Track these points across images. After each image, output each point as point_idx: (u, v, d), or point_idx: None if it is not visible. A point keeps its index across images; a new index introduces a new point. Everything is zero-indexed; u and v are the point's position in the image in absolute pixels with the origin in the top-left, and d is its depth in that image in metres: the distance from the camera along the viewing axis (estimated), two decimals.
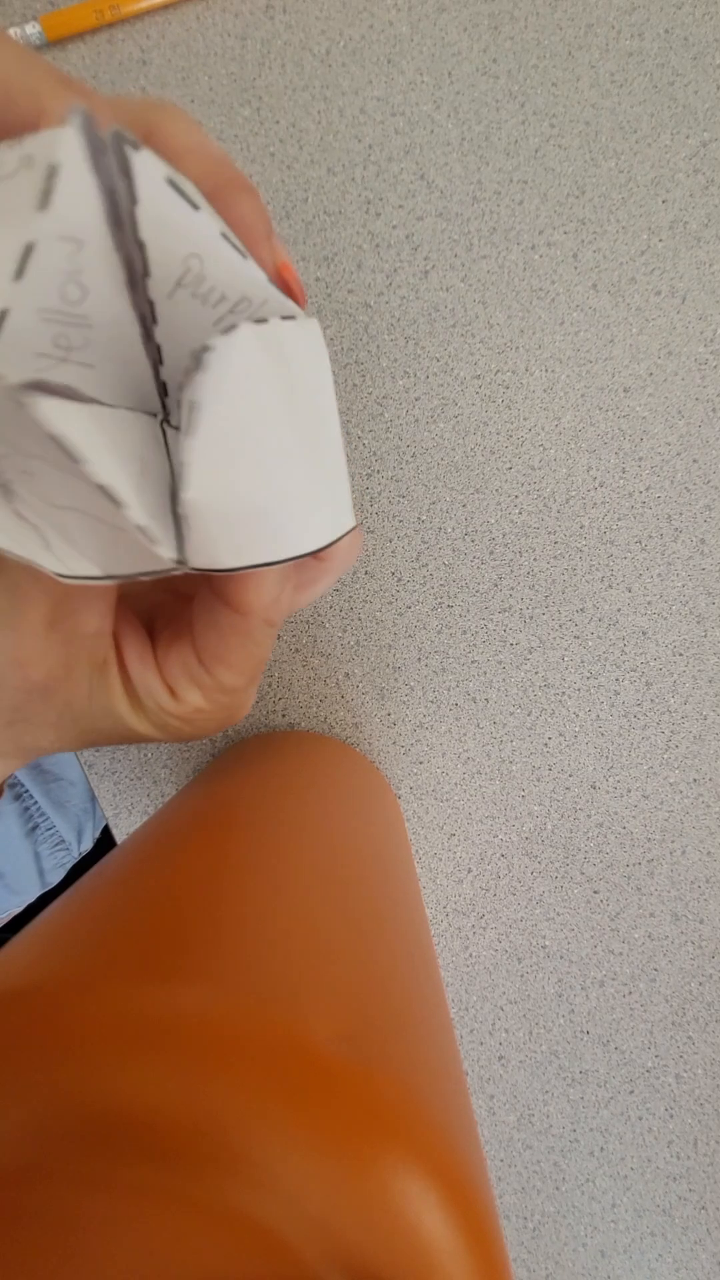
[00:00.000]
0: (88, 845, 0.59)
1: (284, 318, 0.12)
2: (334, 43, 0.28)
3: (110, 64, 0.28)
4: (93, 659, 0.16)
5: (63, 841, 0.56)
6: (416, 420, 0.32)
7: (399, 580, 0.34)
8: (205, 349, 0.11)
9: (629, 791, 0.37)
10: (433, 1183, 0.12)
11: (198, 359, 0.11)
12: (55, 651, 0.15)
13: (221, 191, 0.13)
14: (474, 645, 0.35)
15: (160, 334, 0.13)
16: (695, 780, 0.37)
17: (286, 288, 0.14)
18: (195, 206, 0.11)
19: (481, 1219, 0.12)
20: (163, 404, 0.14)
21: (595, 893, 0.38)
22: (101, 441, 0.12)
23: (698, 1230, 0.41)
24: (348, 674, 0.36)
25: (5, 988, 0.14)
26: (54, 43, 0.27)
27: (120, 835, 0.39)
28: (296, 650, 0.35)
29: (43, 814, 0.55)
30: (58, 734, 0.17)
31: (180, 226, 0.11)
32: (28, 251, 0.11)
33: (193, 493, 0.12)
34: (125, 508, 0.12)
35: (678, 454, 0.33)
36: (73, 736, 0.17)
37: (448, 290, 0.31)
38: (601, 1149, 0.41)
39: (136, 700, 0.16)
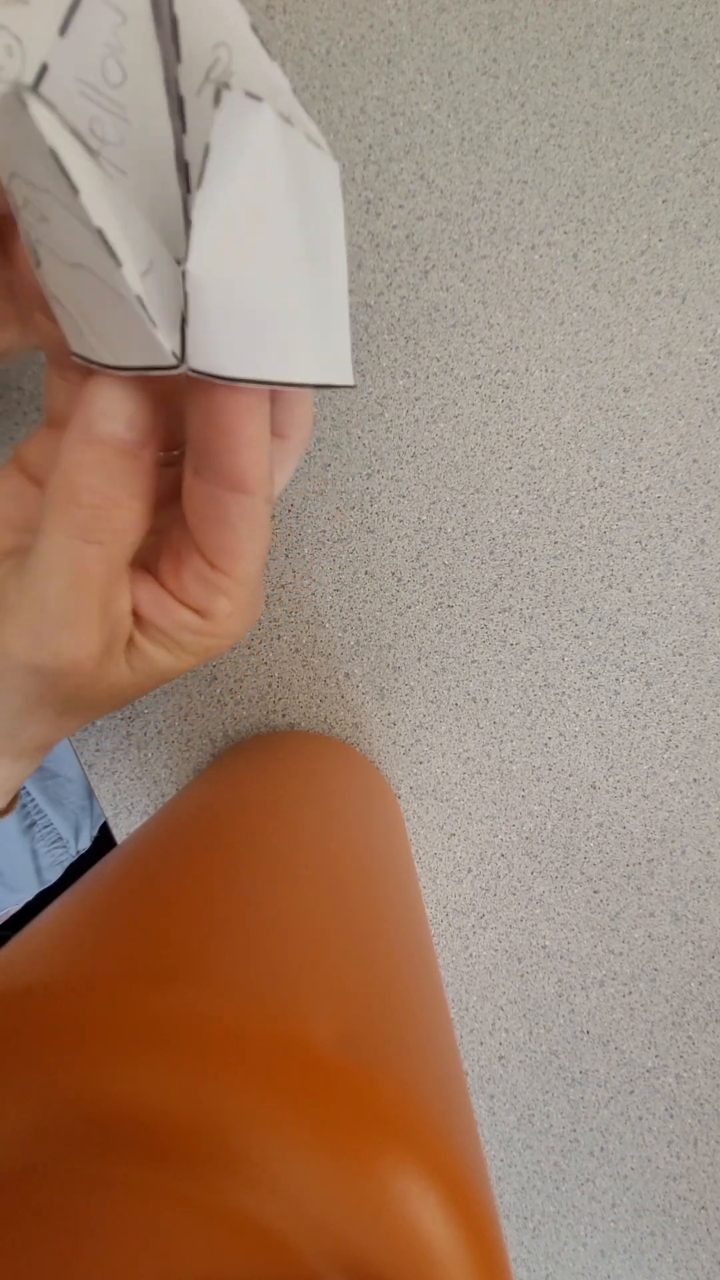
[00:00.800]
0: (85, 843, 0.59)
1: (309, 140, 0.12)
2: (334, 43, 0.28)
3: None
4: (120, 635, 0.17)
5: (60, 839, 0.56)
6: (416, 420, 0.32)
7: (399, 580, 0.34)
8: (225, 86, 0.11)
9: (629, 791, 0.37)
10: (433, 1183, 0.12)
11: (217, 95, 0.11)
12: (102, 639, 0.16)
13: None
14: (474, 645, 0.35)
15: (188, 147, 0.12)
16: (695, 780, 0.37)
17: None
18: None
19: (481, 1219, 0.12)
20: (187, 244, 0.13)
21: (595, 893, 0.38)
22: (103, 192, 0.11)
23: (698, 1230, 0.41)
24: (348, 674, 0.36)
25: (5, 987, 0.14)
26: None
27: (120, 835, 0.39)
28: (296, 650, 0.35)
29: (40, 811, 0.55)
30: (99, 711, 0.19)
31: (213, 6, 0.11)
32: (74, 6, 0.11)
33: (196, 265, 0.11)
34: (121, 266, 0.11)
35: (678, 454, 0.33)
36: (117, 705, 0.19)
37: (448, 290, 0.31)
38: (601, 1149, 0.41)
39: (173, 642, 0.18)
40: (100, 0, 0.11)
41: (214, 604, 0.17)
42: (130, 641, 0.17)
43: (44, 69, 0.11)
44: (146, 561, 0.18)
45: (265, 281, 0.12)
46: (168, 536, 0.18)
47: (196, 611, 0.17)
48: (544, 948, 0.39)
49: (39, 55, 0.11)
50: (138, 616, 0.17)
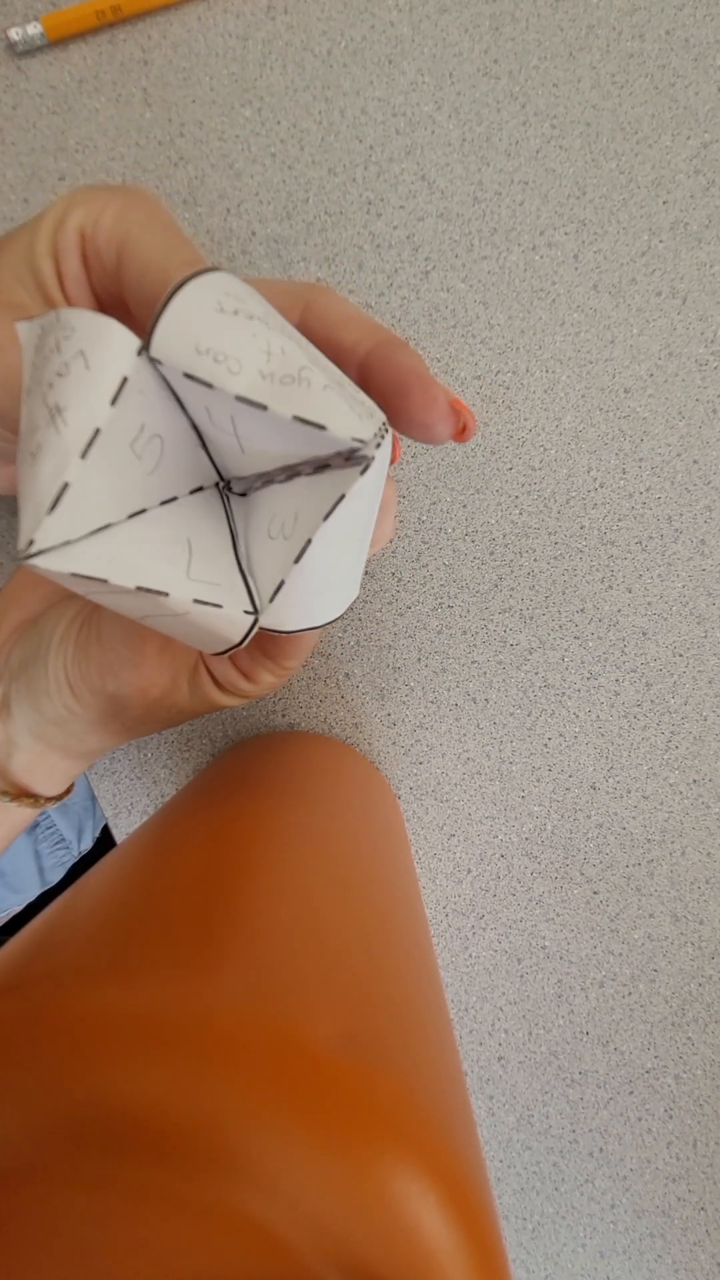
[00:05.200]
0: (88, 844, 0.59)
1: (347, 456, 0.15)
2: (335, 44, 0.28)
3: (111, 64, 0.28)
4: (187, 669, 0.21)
5: (63, 840, 0.56)
6: None
7: (399, 580, 0.34)
8: (309, 544, 0.15)
9: (629, 792, 0.37)
10: (432, 1183, 0.12)
11: (305, 544, 0.15)
12: (166, 673, 0.20)
13: (381, 348, 0.17)
14: (474, 645, 0.35)
15: (211, 449, 0.16)
16: (695, 781, 0.37)
17: (459, 418, 0.17)
18: (210, 385, 0.14)
19: (481, 1219, 0.12)
20: (217, 471, 0.16)
21: (595, 893, 0.38)
22: (124, 554, 0.14)
23: (697, 1231, 0.41)
24: (348, 674, 0.36)
25: (5, 985, 0.14)
26: (55, 43, 0.27)
27: (120, 835, 0.39)
28: None
29: (44, 812, 0.55)
30: (159, 726, 0.23)
31: (201, 396, 0.14)
32: (95, 434, 0.13)
33: (307, 563, 0.15)
34: (167, 596, 0.15)
35: (678, 455, 0.33)
36: (171, 722, 0.23)
37: (448, 291, 0.31)
38: (601, 1149, 0.41)
39: (223, 688, 0.22)
40: (133, 389, 0.13)
41: (262, 678, 0.21)
42: (195, 676, 0.21)
43: (96, 432, 0.13)
44: None
45: (321, 587, 0.16)
46: None
47: (245, 676, 0.21)
48: (544, 948, 0.39)
49: (92, 425, 0.13)
50: (205, 663, 0.21)
